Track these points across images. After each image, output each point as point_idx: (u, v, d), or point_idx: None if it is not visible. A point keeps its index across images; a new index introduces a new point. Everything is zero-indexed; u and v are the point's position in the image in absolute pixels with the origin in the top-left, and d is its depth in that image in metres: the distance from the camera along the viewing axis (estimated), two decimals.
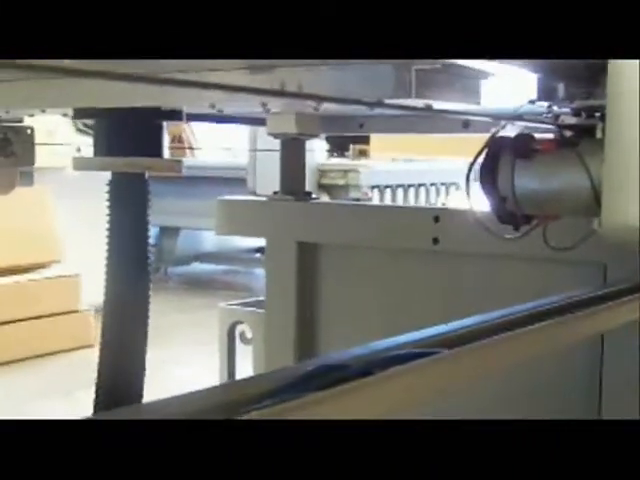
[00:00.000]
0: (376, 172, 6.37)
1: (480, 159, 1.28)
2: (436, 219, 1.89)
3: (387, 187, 6.38)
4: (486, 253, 1.84)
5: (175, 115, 1.33)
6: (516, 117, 1.32)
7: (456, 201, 6.83)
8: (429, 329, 1.06)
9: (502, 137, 1.28)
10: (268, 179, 5.90)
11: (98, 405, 1.41)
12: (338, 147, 6.49)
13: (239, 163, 6.88)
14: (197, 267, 8.12)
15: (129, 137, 1.32)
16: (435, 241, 1.88)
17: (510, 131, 1.30)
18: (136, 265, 1.33)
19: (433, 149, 4.59)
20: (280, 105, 1.33)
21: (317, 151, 6.14)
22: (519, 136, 1.27)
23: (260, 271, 7.53)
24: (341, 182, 6.13)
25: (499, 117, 1.30)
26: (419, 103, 1.07)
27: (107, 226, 1.33)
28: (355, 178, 6.11)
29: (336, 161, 6.63)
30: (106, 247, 1.34)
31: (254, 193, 5.88)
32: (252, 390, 0.83)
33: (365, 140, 5.43)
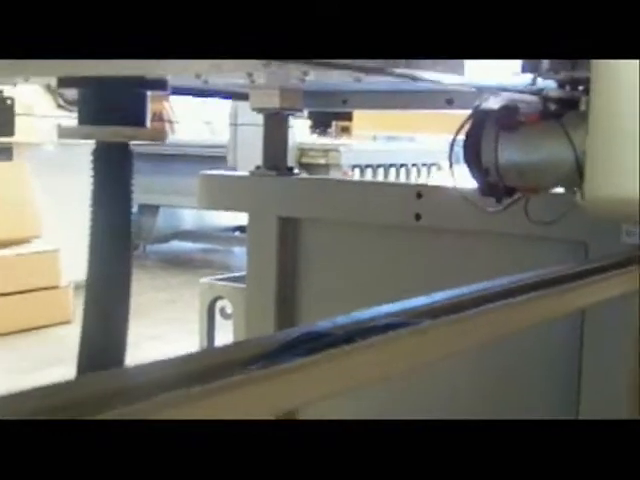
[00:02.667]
0: (357, 151, 6.38)
1: (463, 131, 1.29)
2: (418, 195, 1.90)
3: (368, 167, 6.39)
4: (468, 229, 1.85)
5: (159, 84, 1.33)
6: (502, 89, 1.32)
7: (437, 181, 6.84)
8: (412, 300, 1.07)
9: (486, 109, 1.29)
10: (248, 157, 5.91)
11: None
12: (321, 124, 6.49)
13: (219, 141, 6.86)
14: (176, 245, 8.11)
15: (113, 106, 1.31)
16: (417, 217, 1.89)
17: (494, 103, 1.31)
18: (120, 235, 1.33)
19: (416, 125, 4.59)
20: (265, 75, 1.33)
21: (297, 130, 6.14)
22: (503, 108, 1.28)
23: (238, 250, 7.53)
24: (322, 161, 6.13)
25: (484, 89, 1.30)
26: (406, 73, 1.08)
27: (91, 194, 1.33)
28: (336, 157, 6.12)
29: (316, 140, 6.63)
30: (90, 217, 1.34)
31: (234, 171, 5.88)
32: (235, 355, 0.83)
33: (348, 116, 5.43)
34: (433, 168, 7.03)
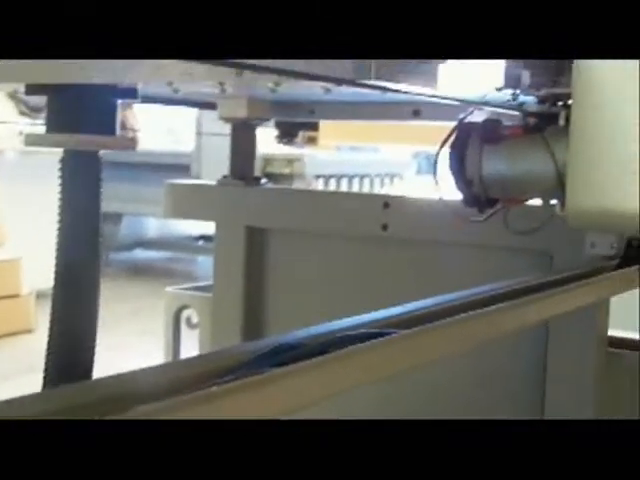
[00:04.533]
0: (321, 161, 6.41)
1: (445, 146, 1.32)
2: (385, 205, 1.90)
3: (332, 177, 6.41)
4: (435, 240, 1.86)
5: (130, 93, 1.32)
6: (483, 103, 1.36)
7: (400, 192, 6.88)
8: (383, 311, 1.07)
9: (470, 122, 1.33)
10: (213, 167, 5.90)
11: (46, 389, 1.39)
12: (287, 134, 6.49)
13: (183, 150, 6.84)
14: (139, 254, 8.06)
15: (83, 114, 1.30)
16: (384, 227, 1.89)
17: (478, 117, 1.34)
18: (88, 245, 1.32)
19: (381, 136, 4.61)
20: (237, 84, 1.32)
21: (262, 139, 6.12)
22: (487, 121, 1.32)
23: (203, 258, 7.50)
24: (286, 171, 6.14)
25: (466, 103, 1.33)
26: (378, 85, 1.08)
27: (59, 203, 1.32)
28: (300, 167, 6.13)
29: (281, 150, 6.64)
30: (58, 225, 1.32)
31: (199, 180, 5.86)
32: (209, 367, 0.83)
33: (314, 127, 5.43)
34: (396, 179, 7.07)
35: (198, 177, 6.02)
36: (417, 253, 1.92)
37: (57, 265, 1.31)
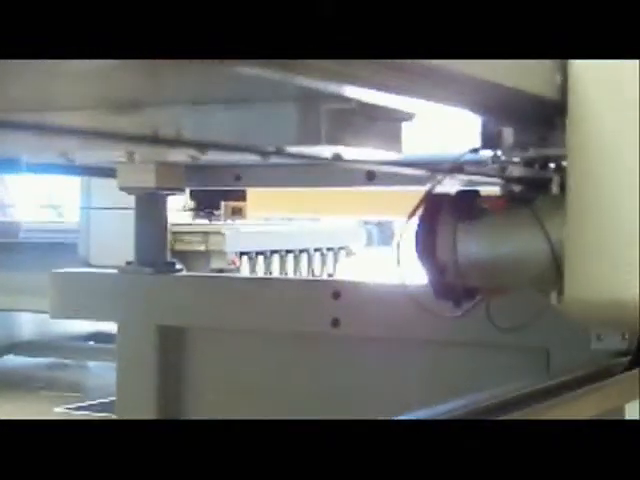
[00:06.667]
0: (245, 235, 6.40)
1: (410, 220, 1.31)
2: (335, 295, 1.91)
3: (259, 254, 6.40)
4: (396, 337, 1.87)
5: (13, 166, 1.33)
6: (455, 169, 1.35)
7: (347, 271, 6.91)
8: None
9: (440, 194, 1.31)
10: (105, 246, 5.88)
11: None
12: (205, 204, 6.49)
13: (66, 225, 6.80)
14: (11, 360, 7.94)
15: None
16: (335, 322, 1.90)
17: (450, 186, 1.33)
18: None
19: (324, 206, 4.63)
20: (150, 154, 1.35)
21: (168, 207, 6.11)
22: (461, 193, 1.29)
23: (95, 365, 7.42)
24: (200, 248, 6.12)
25: (436, 169, 1.33)
26: (326, 151, 1.11)
27: None
28: (218, 242, 6.11)
29: (193, 221, 6.63)
30: None
31: (87, 264, 5.82)
32: None
33: (240, 196, 5.42)
34: (341, 253, 7.10)
35: (86, 260, 5.99)
36: (377, 353, 1.93)
37: None
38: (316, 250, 6.88)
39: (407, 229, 1.34)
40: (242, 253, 6.30)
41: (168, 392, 2.11)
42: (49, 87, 1.06)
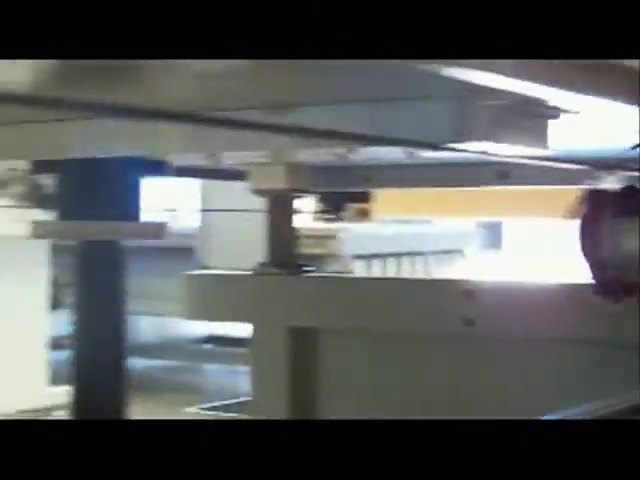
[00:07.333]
0: (361, 238, 6.38)
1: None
2: (468, 294, 1.91)
3: (375, 257, 6.38)
4: (532, 337, 1.86)
5: (160, 169, 1.36)
6: (615, 166, 1.35)
7: (464, 274, 6.86)
8: None
9: (602, 191, 1.32)
10: (226, 249, 5.92)
11: None
12: (332, 206, 6.50)
13: (183, 228, 6.87)
14: (133, 363, 8.05)
15: (100, 196, 1.34)
16: (468, 322, 1.90)
17: (611, 183, 1.33)
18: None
19: (453, 208, 4.57)
20: (284, 155, 1.36)
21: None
22: (625, 189, 1.30)
23: (211, 368, 7.48)
24: (317, 251, 6.12)
25: (594, 165, 1.33)
26: (477, 148, 1.11)
27: (75, 299, 1.36)
28: (335, 246, 6.10)
29: (309, 224, 6.62)
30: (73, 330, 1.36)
31: (206, 267, 5.87)
32: None
33: (365, 197, 5.39)
34: (457, 256, 7.05)
35: (207, 263, 6.04)
36: (510, 353, 1.92)
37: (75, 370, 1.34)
38: (433, 253, 6.85)
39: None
40: (358, 256, 6.28)
41: (300, 390, 2.12)
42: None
